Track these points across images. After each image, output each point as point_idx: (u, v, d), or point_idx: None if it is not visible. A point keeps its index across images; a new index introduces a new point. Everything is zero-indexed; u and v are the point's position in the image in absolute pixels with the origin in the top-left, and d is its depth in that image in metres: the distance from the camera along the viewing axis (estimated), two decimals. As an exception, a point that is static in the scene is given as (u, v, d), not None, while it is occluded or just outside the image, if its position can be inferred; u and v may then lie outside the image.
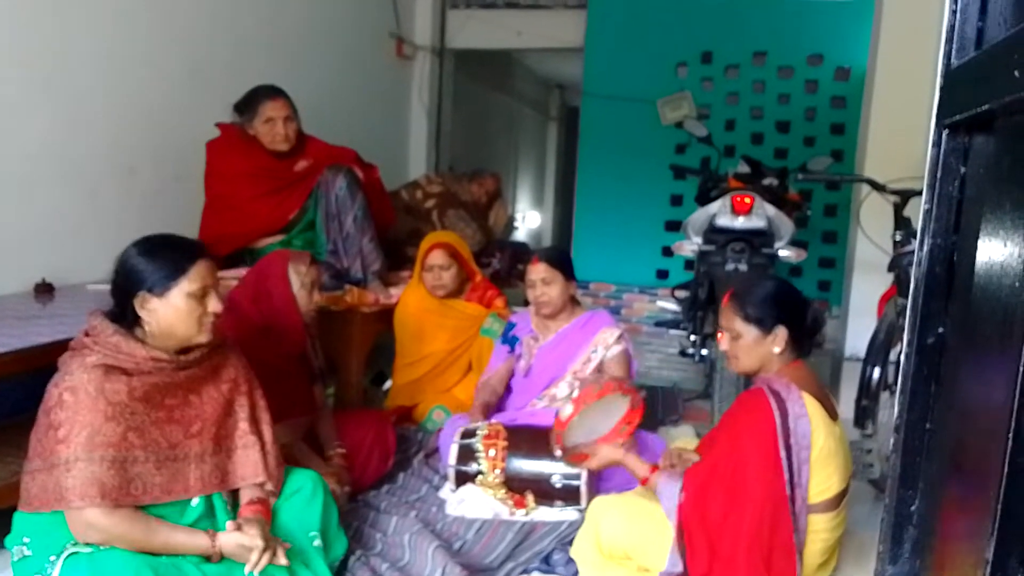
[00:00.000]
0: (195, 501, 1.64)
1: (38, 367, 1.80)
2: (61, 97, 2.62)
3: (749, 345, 1.89)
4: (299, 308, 2.25)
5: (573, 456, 2.06)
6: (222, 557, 1.60)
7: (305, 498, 1.81)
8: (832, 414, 1.84)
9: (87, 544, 1.49)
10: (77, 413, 1.48)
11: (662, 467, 1.96)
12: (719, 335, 1.97)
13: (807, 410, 1.75)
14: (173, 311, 1.58)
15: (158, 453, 1.57)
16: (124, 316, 1.59)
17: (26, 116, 2.51)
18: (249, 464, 1.73)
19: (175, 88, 3.12)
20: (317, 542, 1.79)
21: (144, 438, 1.55)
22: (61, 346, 1.63)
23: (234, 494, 1.74)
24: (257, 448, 1.74)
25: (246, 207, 2.87)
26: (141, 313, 1.57)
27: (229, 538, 1.59)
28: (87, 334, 1.57)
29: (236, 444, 1.73)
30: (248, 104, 2.87)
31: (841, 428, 1.88)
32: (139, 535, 1.51)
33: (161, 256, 1.59)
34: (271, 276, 2.26)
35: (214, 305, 1.63)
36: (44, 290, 2.46)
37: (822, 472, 1.78)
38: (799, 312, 1.92)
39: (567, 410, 1.98)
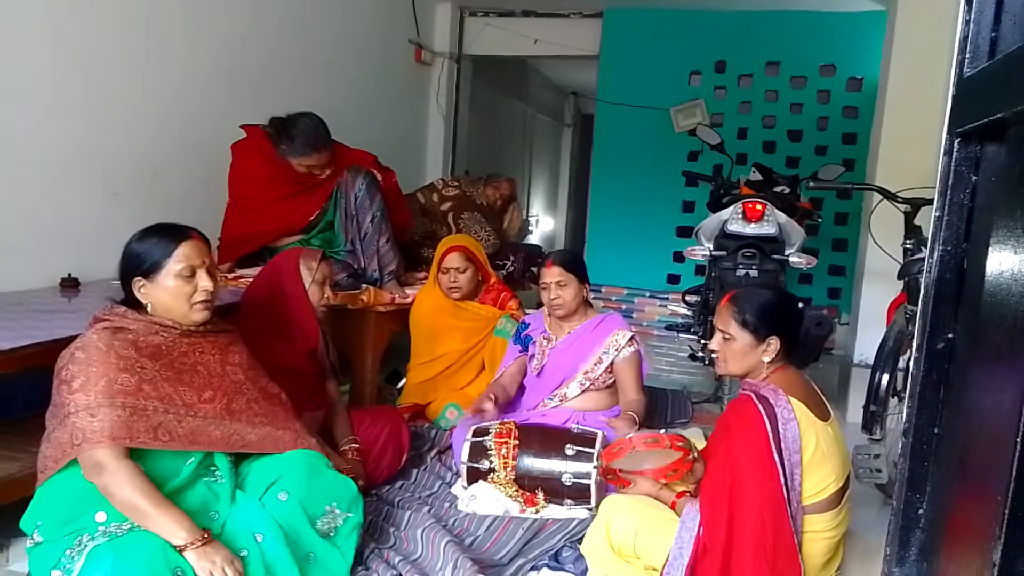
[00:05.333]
0: (190, 459, 1.66)
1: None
2: (94, 100, 2.68)
3: (740, 350, 1.91)
4: (312, 304, 2.29)
5: (614, 478, 2.08)
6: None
7: (309, 476, 1.75)
8: (823, 414, 1.86)
9: (105, 535, 1.50)
10: (91, 365, 1.55)
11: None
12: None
13: (795, 415, 1.77)
14: (164, 291, 1.68)
15: (175, 409, 1.63)
16: (130, 301, 1.72)
17: (60, 119, 2.56)
18: (268, 440, 1.79)
19: (205, 93, 3.17)
20: (340, 515, 1.76)
21: (159, 391, 1.61)
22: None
23: (239, 457, 1.79)
24: (271, 427, 1.80)
25: (267, 209, 2.91)
26: (139, 296, 1.70)
27: (204, 552, 1.50)
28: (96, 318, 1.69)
29: (255, 420, 1.79)
30: (289, 139, 2.85)
31: (835, 426, 1.90)
32: (132, 492, 1.49)
33: (150, 240, 1.70)
34: (284, 273, 2.30)
35: (204, 283, 1.71)
36: (70, 284, 2.51)
37: (819, 473, 1.80)
38: (795, 325, 1.94)
39: (626, 439, 2.01)
